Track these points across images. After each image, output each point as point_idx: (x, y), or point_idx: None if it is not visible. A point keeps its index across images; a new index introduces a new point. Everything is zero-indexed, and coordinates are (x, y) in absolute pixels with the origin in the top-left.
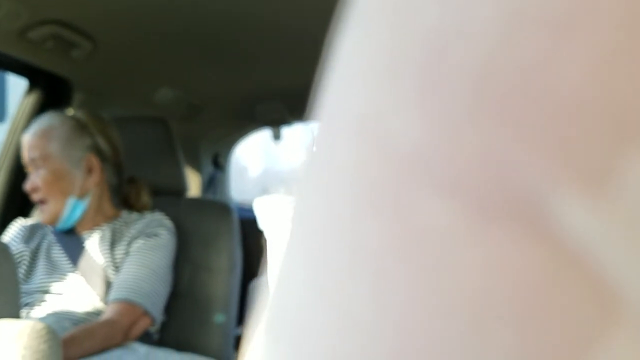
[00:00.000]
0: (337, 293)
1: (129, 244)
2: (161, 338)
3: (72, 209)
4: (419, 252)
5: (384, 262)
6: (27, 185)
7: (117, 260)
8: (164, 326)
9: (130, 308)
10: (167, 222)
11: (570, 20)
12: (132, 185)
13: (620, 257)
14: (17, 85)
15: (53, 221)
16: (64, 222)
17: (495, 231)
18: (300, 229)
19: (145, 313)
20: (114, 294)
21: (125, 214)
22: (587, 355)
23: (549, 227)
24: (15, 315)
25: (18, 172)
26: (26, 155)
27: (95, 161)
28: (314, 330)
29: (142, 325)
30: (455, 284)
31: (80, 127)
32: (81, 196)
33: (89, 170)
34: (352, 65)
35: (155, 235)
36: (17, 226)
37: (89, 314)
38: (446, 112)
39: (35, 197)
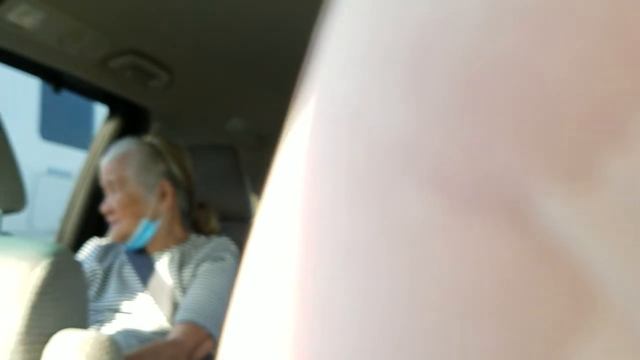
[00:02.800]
0: (319, 284)
1: (197, 266)
2: None
3: (144, 230)
4: (401, 244)
5: (367, 253)
6: (104, 208)
7: (185, 282)
8: None
9: (195, 330)
10: (233, 246)
11: (554, 14)
12: (202, 210)
13: (601, 252)
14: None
15: (124, 239)
16: (135, 242)
17: (476, 224)
18: (283, 221)
19: (209, 336)
20: (180, 314)
21: (194, 237)
22: (565, 348)
23: (530, 221)
24: (82, 327)
25: (95, 195)
26: (104, 178)
27: (168, 186)
28: (295, 323)
29: (206, 347)
30: (436, 276)
31: (155, 153)
32: (153, 219)
33: (162, 195)
34: (338, 57)
35: (221, 259)
36: (92, 245)
37: (155, 333)
38: (430, 105)
39: (110, 218)
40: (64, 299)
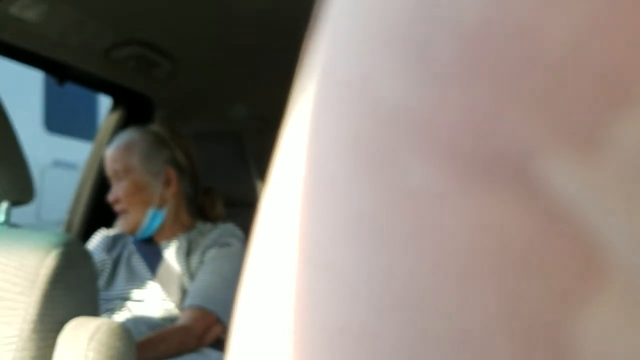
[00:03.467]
0: (329, 254)
1: (204, 253)
2: None
3: (152, 219)
4: (408, 213)
5: (374, 223)
6: (110, 197)
7: (193, 269)
8: None
9: (204, 315)
10: (239, 232)
11: None
12: (208, 196)
13: (608, 216)
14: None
15: (133, 230)
16: (144, 231)
17: (483, 191)
18: (291, 194)
19: (218, 320)
20: (189, 300)
21: (200, 225)
22: (573, 311)
23: (538, 187)
24: (94, 314)
25: (102, 185)
26: (109, 168)
27: (172, 173)
28: (303, 294)
29: (215, 332)
30: (445, 243)
31: (159, 141)
32: (160, 206)
33: (167, 182)
34: (340, 28)
35: (228, 244)
36: (100, 236)
37: (165, 319)
38: (434, 75)
39: (117, 207)
40: (75, 288)
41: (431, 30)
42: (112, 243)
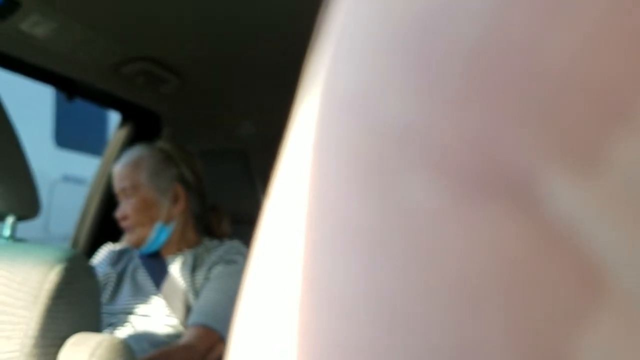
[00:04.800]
0: (327, 272)
1: (209, 270)
2: None
3: (158, 233)
4: (408, 230)
5: (375, 240)
6: (118, 213)
7: (197, 285)
8: None
9: (208, 333)
10: (244, 249)
11: (559, 1)
12: (214, 213)
13: (608, 235)
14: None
15: (139, 243)
16: (149, 245)
17: (484, 209)
18: (290, 210)
19: (221, 339)
20: (193, 318)
21: (206, 241)
22: (574, 331)
23: (538, 205)
24: (95, 330)
25: (109, 200)
26: (117, 185)
27: (180, 190)
28: (301, 310)
29: (218, 350)
30: (444, 262)
31: (167, 158)
32: (167, 222)
33: (175, 199)
34: (343, 44)
35: (234, 262)
36: (106, 250)
37: (168, 336)
38: (436, 91)
39: (124, 224)
40: (77, 303)
41: (432, 46)
42: (118, 257)
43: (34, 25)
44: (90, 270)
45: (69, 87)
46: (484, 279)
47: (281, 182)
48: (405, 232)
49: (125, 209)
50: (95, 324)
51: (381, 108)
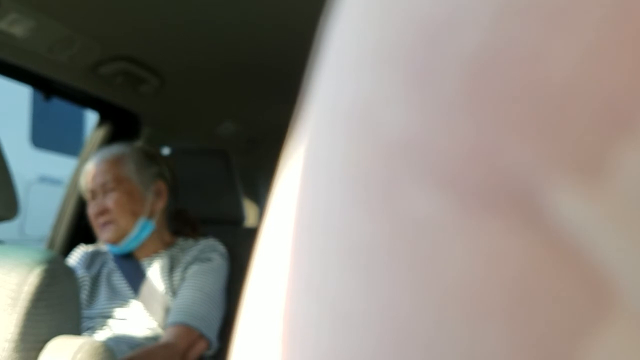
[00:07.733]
0: (326, 285)
1: (185, 269)
2: None
3: (141, 229)
4: (409, 243)
5: (374, 253)
6: (95, 209)
7: (175, 286)
8: (219, 351)
9: (187, 331)
10: (220, 247)
11: (561, 7)
12: (179, 216)
13: (614, 246)
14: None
15: (118, 240)
16: (129, 242)
17: (487, 221)
18: (288, 221)
19: (201, 336)
20: (171, 317)
21: (181, 241)
22: (579, 347)
23: (542, 217)
24: (75, 333)
25: (85, 202)
26: (94, 180)
27: (163, 186)
28: (303, 324)
29: (199, 348)
30: (446, 275)
31: (148, 155)
32: (149, 218)
33: (158, 194)
34: (343, 56)
35: (209, 260)
36: (79, 253)
37: (147, 339)
38: (437, 103)
39: (101, 219)
40: (57, 306)
41: (433, 57)
42: (91, 260)
43: (11, 24)
44: (70, 272)
45: (46, 87)
46: (488, 293)
47: (281, 195)
48: (407, 245)
49: (104, 203)
50: (75, 327)
51: (381, 119)
